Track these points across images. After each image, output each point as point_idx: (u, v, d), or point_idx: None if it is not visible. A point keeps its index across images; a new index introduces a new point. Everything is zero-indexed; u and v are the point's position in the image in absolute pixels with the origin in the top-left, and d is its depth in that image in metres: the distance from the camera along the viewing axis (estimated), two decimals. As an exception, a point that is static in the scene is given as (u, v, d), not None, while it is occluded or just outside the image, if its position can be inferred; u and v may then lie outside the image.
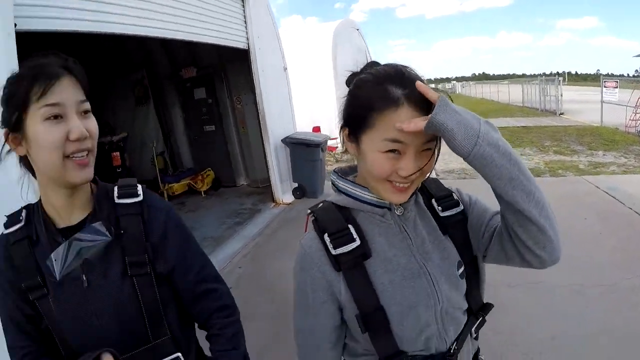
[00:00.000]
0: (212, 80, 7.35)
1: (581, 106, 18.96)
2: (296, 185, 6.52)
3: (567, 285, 3.28)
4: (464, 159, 0.74)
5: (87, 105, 0.89)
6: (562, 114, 16.97)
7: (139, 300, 0.93)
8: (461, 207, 0.96)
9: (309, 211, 0.96)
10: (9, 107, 0.84)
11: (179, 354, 0.97)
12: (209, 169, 7.57)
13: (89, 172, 0.89)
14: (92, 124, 0.90)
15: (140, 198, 0.99)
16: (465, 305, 0.96)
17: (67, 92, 0.85)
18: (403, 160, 0.78)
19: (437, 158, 0.84)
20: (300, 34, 12.03)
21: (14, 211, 0.98)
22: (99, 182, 1.01)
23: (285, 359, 2.64)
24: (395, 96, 0.76)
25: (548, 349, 2.63)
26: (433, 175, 0.94)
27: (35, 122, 0.82)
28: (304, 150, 6.19)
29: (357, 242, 0.86)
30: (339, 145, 10.91)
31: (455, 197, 0.98)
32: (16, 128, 0.85)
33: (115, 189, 0.99)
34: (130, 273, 0.93)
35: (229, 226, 5.73)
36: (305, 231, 0.96)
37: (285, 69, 6.81)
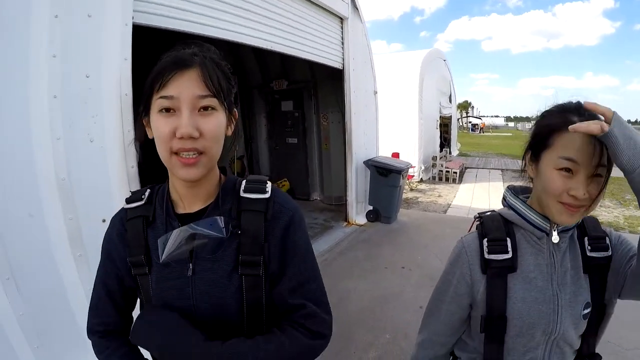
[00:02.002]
0: (301, 95, 7.55)
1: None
2: (371, 208, 6.44)
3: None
4: (627, 175, 0.78)
5: (208, 102, 0.82)
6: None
7: (242, 299, 0.89)
8: (609, 252, 0.98)
9: (477, 215, 1.09)
10: (144, 90, 0.85)
11: None
12: (285, 179, 7.74)
13: (196, 172, 0.83)
14: (209, 123, 0.82)
15: (267, 195, 0.92)
16: (577, 345, 1.01)
17: (186, 87, 0.80)
18: (575, 180, 0.86)
19: (605, 189, 0.89)
20: (387, 59, 12.13)
21: (139, 189, 1.00)
22: (229, 174, 1.00)
23: None
24: (573, 121, 0.85)
25: None
26: None
27: (154, 111, 0.83)
28: (385, 175, 6.11)
29: (509, 255, 0.98)
30: (416, 174, 10.79)
31: (607, 241, 0.99)
32: (146, 112, 0.87)
33: (243, 182, 0.95)
34: (241, 272, 0.88)
35: (299, 238, 5.73)
36: (469, 231, 1.08)
37: (376, 92, 6.84)
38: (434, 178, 11.89)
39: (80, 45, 2.24)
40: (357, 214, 6.44)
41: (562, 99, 0.95)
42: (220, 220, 0.87)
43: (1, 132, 1.97)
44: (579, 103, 0.91)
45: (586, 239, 0.99)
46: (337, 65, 5.77)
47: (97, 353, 0.97)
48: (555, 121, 0.90)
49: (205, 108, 0.82)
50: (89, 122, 2.31)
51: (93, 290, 0.99)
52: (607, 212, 7.30)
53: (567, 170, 0.87)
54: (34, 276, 2.13)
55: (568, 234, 0.99)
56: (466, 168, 13.87)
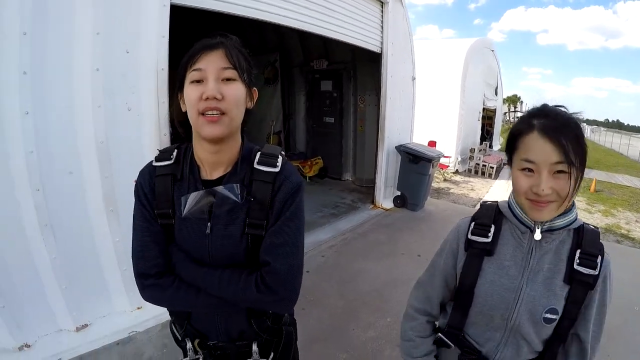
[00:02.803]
0: (340, 76, 7.59)
1: None
2: (399, 193, 6.48)
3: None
4: None
5: (230, 73, 0.99)
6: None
7: (250, 253, 1.07)
8: (596, 272, 0.99)
9: (482, 201, 1.20)
10: (178, 73, 1.04)
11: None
12: (319, 157, 7.89)
13: (218, 130, 0.98)
14: (231, 89, 0.99)
15: (277, 169, 1.08)
16: (539, 348, 1.07)
17: (212, 61, 0.98)
18: (535, 178, 0.93)
19: (577, 186, 0.93)
20: (433, 45, 11.79)
21: (166, 147, 1.14)
22: (246, 142, 1.13)
23: (331, 356, 2.74)
24: (532, 124, 0.94)
25: None
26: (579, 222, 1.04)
27: (187, 84, 1.00)
28: (415, 162, 6.11)
29: (487, 240, 1.08)
30: (451, 165, 10.58)
31: (598, 261, 0.99)
32: (181, 89, 1.04)
33: (259, 154, 1.10)
34: (247, 231, 1.05)
35: (324, 215, 5.91)
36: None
37: (414, 79, 6.75)
38: (469, 171, 11.56)
39: (121, 23, 2.48)
40: (385, 198, 6.51)
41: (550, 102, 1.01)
42: (237, 187, 1.03)
43: (48, 99, 2.26)
44: (543, 106, 0.98)
45: (578, 251, 1.01)
46: (375, 49, 5.75)
47: (156, 291, 1.06)
48: (521, 126, 0.97)
49: (228, 79, 0.99)
50: (128, 93, 2.57)
51: (135, 238, 1.08)
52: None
53: (529, 170, 0.94)
54: (69, 225, 2.46)
55: (553, 236, 1.03)
56: (504, 164, 13.32)
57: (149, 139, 2.70)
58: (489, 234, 1.08)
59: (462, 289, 1.11)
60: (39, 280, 2.40)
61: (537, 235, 1.02)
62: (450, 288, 1.20)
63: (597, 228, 1.07)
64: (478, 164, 11.46)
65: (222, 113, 0.98)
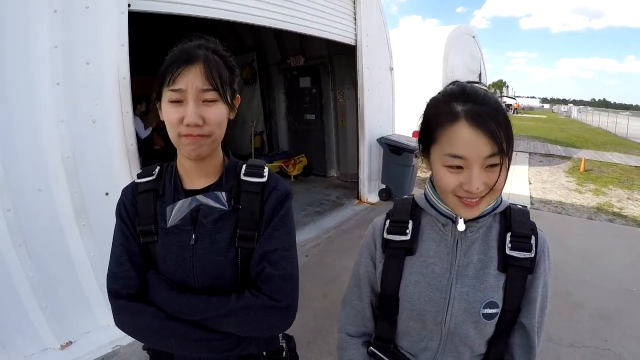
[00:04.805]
0: (318, 71, 7.57)
1: None
2: (384, 187, 6.49)
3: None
4: None
5: (210, 95, 0.93)
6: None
7: (237, 269, 1.01)
8: (532, 254, 0.90)
9: (395, 197, 1.03)
10: (157, 82, 0.97)
11: None
12: (303, 155, 7.87)
13: (200, 151, 0.96)
14: (212, 113, 0.94)
15: (264, 180, 1.05)
16: (482, 350, 0.96)
17: (191, 80, 0.91)
18: (466, 174, 0.80)
19: (506, 175, 0.83)
20: (413, 35, 11.80)
21: (149, 166, 1.12)
22: (231, 156, 1.11)
23: (317, 357, 2.76)
24: (455, 111, 0.80)
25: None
26: (527, 202, 0.95)
27: (165, 100, 0.95)
28: (398, 154, 6.12)
29: (406, 238, 0.97)
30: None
31: (532, 242, 0.91)
32: (158, 99, 0.98)
33: (244, 166, 1.07)
34: (238, 244, 1.00)
35: (308, 214, 5.88)
36: None
37: (392, 69, 6.75)
38: (456, 157, 11.54)
39: (79, 35, 2.44)
40: (370, 192, 6.52)
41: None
42: (223, 195, 1.00)
43: (10, 117, 2.22)
44: (462, 86, 0.84)
45: (508, 235, 0.92)
46: (349, 41, 5.74)
47: (124, 314, 0.97)
48: (441, 113, 0.83)
49: (209, 100, 0.94)
50: (91, 105, 2.54)
51: (112, 257, 1.03)
52: (634, 206, 6.92)
53: (457, 166, 0.81)
54: (42, 243, 2.42)
55: (479, 224, 0.93)
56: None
57: (116, 150, 2.66)
58: (407, 231, 0.97)
59: (385, 294, 0.99)
60: (19, 300, 2.37)
61: (461, 226, 0.91)
62: (377, 295, 1.06)
63: (525, 207, 0.98)
64: (464, 151, 11.42)
65: (204, 135, 0.95)
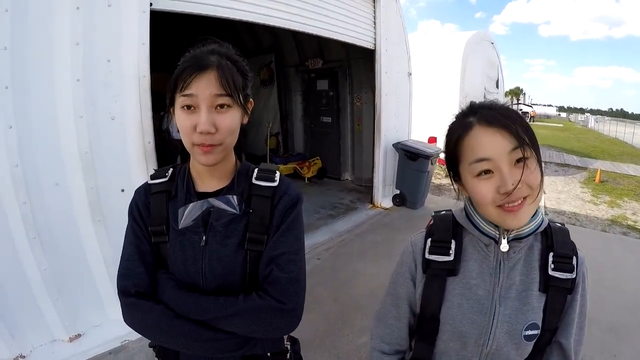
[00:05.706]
0: (336, 74, 7.56)
1: None
2: (398, 192, 6.44)
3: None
4: None
5: (223, 100, 0.93)
6: None
7: (246, 271, 1.02)
8: (573, 275, 0.90)
9: (433, 213, 1.05)
10: (169, 87, 0.97)
11: None
12: (318, 157, 7.85)
13: (213, 159, 0.96)
14: (225, 119, 0.94)
15: (275, 184, 1.06)
16: None
17: (204, 86, 0.90)
18: (497, 176, 0.80)
19: (541, 172, 0.82)
20: (431, 40, 11.70)
21: (163, 167, 1.13)
22: (244, 160, 1.11)
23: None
24: (468, 121, 0.84)
25: None
26: (541, 212, 0.93)
27: (177, 106, 0.94)
28: (413, 160, 6.07)
29: (449, 258, 0.94)
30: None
31: (574, 262, 0.90)
32: (171, 104, 0.98)
33: (256, 170, 1.08)
34: (247, 247, 1.01)
35: (321, 216, 5.86)
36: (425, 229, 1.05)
37: (410, 74, 6.70)
38: (472, 166, 11.41)
39: (101, 32, 2.48)
40: (384, 197, 6.46)
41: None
42: (234, 199, 1.02)
43: (31, 112, 2.26)
44: (471, 103, 0.88)
45: (551, 255, 0.91)
46: (368, 45, 5.71)
47: (133, 312, 0.98)
48: (457, 128, 0.86)
49: (222, 106, 0.93)
50: (110, 102, 2.57)
51: (123, 255, 1.04)
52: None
53: (486, 172, 0.81)
54: (57, 237, 2.46)
55: (522, 244, 0.92)
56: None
57: (133, 147, 2.69)
58: (450, 252, 0.94)
59: (425, 316, 0.97)
60: (30, 291, 2.41)
61: (504, 247, 0.89)
62: (409, 305, 1.06)
63: (564, 225, 0.97)
64: (480, 159, 11.29)
65: (215, 145, 0.95)
